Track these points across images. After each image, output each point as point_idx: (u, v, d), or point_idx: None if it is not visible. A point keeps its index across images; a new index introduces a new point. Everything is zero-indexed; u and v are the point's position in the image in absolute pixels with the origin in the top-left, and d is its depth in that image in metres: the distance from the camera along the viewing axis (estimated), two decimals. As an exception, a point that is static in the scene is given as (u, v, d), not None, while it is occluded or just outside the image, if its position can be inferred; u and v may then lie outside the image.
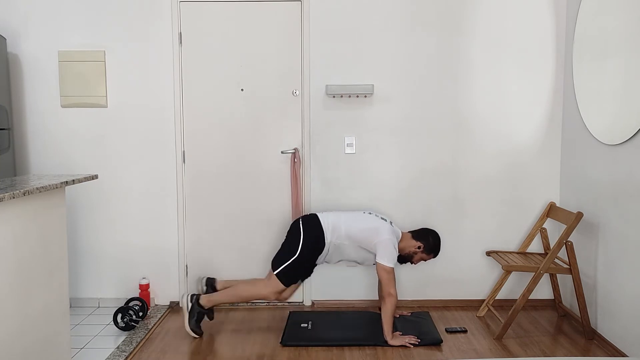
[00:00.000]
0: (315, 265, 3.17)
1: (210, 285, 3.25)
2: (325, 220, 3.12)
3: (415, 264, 3.23)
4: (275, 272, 3.06)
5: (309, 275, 3.20)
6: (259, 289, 3.08)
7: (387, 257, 3.00)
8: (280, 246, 3.19)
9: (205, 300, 3.12)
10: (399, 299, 3.66)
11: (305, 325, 3.25)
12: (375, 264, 3.05)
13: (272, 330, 3.24)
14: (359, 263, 3.20)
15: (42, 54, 3.56)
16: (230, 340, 3.12)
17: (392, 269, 3.01)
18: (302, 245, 3.07)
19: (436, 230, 3.49)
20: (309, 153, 3.60)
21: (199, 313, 3.12)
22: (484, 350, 2.96)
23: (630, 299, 2.77)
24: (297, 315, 3.41)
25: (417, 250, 3.16)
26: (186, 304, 3.13)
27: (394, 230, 3.12)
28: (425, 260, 3.22)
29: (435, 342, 3.01)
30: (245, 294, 3.09)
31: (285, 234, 3.21)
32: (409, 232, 3.24)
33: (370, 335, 3.08)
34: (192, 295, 3.15)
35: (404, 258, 3.20)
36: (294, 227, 3.15)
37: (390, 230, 3.08)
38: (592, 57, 3.12)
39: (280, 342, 3.05)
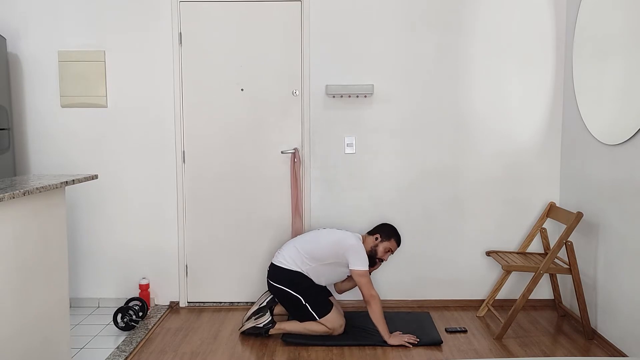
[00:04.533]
0: (322, 286, 3.20)
1: (270, 310, 3.21)
2: (282, 260, 3.13)
3: (384, 259, 3.19)
4: (319, 319, 3.05)
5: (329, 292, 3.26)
6: (325, 329, 3.06)
7: (359, 262, 3.03)
8: (287, 309, 3.17)
9: (275, 328, 3.13)
10: (399, 298, 3.66)
11: None
12: (350, 272, 3.08)
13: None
14: (340, 280, 3.25)
15: (42, 54, 3.56)
16: (230, 340, 3.12)
17: (367, 271, 3.03)
18: (294, 290, 3.07)
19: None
20: (309, 153, 3.60)
21: (260, 334, 3.14)
22: (484, 350, 2.96)
23: (630, 299, 2.77)
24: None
25: (377, 242, 3.17)
26: (263, 309, 3.17)
27: (355, 235, 3.16)
28: (392, 252, 3.20)
29: (435, 343, 3.00)
30: (314, 329, 3.08)
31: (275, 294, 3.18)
32: (365, 233, 3.32)
33: (370, 335, 3.08)
34: (271, 319, 3.16)
35: (371, 258, 3.16)
36: (272, 288, 3.12)
37: (353, 236, 3.12)
38: (592, 57, 3.12)
39: (281, 338, 3.07)
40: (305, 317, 3.08)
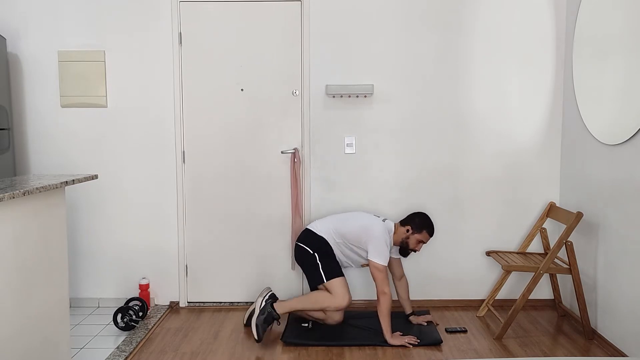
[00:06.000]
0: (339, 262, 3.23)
1: (271, 304, 3.19)
2: (315, 227, 3.23)
3: (417, 249, 3.17)
4: (326, 281, 3.09)
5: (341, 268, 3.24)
6: (330, 301, 3.07)
7: (379, 255, 3.02)
8: (305, 272, 3.24)
9: (279, 307, 3.11)
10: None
11: (306, 325, 3.25)
12: (368, 261, 3.10)
13: (272, 331, 3.24)
14: (361, 264, 3.28)
15: (41, 54, 3.56)
16: (230, 340, 3.12)
17: (385, 267, 3.02)
18: (312, 249, 3.16)
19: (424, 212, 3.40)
20: (309, 153, 3.60)
21: (269, 313, 3.06)
22: (484, 350, 2.96)
23: (630, 299, 2.77)
24: (298, 315, 3.41)
25: (408, 234, 3.15)
26: (260, 304, 3.13)
27: (386, 226, 3.14)
28: (424, 242, 3.17)
29: (435, 342, 3.00)
30: (320, 301, 3.08)
31: (298, 261, 3.27)
32: (398, 222, 3.25)
33: (370, 335, 3.08)
34: (269, 299, 3.16)
35: (403, 249, 3.20)
36: (297, 249, 3.23)
37: (382, 227, 3.09)
38: (592, 56, 3.12)
39: (281, 339, 3.07)
40: (315, 278, 3.12)
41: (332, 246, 3.17)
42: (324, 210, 3.62)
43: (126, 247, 3.67)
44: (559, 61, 3.52)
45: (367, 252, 3.09)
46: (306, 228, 3.27)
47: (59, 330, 2.46)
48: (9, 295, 2.08)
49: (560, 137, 3.58)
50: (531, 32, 3.51)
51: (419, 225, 3.15)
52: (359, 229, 3.11)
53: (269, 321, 3.05)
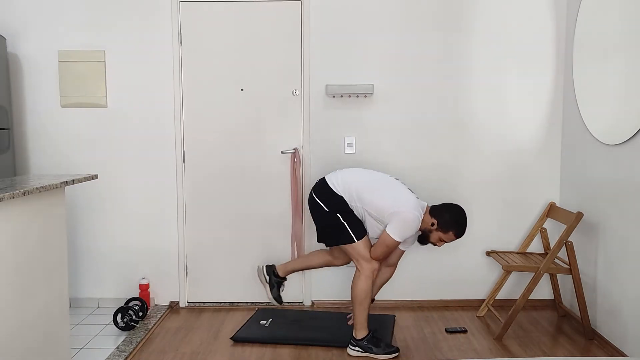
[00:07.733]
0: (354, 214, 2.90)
1: (272, 272, 3.23)
2: (335, 181, 2.89)
3: (437, 244, 2.87)
4: (357, 241, 2.81)
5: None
6: (329, 259, 3.17)
7: (397, 231, 2.73)
8: (319, 226, 2.97)
9: (281, 270, 3.23)
10: (399, 298, 3.65)
11: (264, 322, 3.27)
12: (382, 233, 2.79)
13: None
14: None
15: (42, 54, 3.56)
16: (230, 340, 3.12)
17: (397, 243, 2.77)
18: (337, 212, 2.84)
19: (461, 206, 2.92)
20: (309, 153, 3.60)
21: (277, 282, 3.22)
22: (484, 350, 2.96)
23: (631, 299, 2.77)
24: (263, 312, 3.45)
25: (432, 227, 2.83)
26: (264, 277, 3.22)
27: (418, 206, 2.79)
28: (446, 241, 2.86)
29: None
30: (318, 261, 3.20)
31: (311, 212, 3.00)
32: (430, 206, 2.92)
33: (329, 336, 3.05)
34: (268, 267, 3.24)
35: (423, 236, 2.91)
36: (312, 201, 2.94)
37: (414, 207, 2.75)
38: (592, 57, 3.12)
39: (231, 338, 3.07)
40: (341, 238, 2.85)
41: (350, 207, 2.85)
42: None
43: (126, 247, 3.67)
44: (559, 61, 3.52)
45: (384, 225, 2.80)
46: (323, 178, 2.93)
47: (59, 330, 2.46)
48: (9, 295, 2.08)
49: (560, 137, 3.58)
50: (531, 33, 3.51)
51: (446, 223, 2.81)
52: (388, 200, 2.78)
53: (280, 287, 3.24)
